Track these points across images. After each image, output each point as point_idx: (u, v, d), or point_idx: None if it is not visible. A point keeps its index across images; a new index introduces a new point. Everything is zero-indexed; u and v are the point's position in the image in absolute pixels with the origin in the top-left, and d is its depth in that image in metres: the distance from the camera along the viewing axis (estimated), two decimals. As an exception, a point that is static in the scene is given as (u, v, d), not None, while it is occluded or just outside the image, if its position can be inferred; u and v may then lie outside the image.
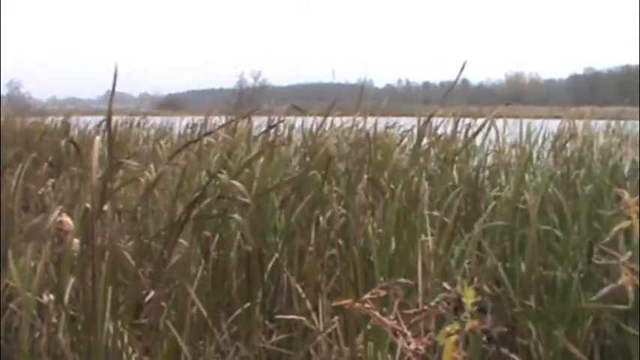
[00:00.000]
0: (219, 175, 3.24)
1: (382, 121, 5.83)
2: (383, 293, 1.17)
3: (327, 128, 4.76)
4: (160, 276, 2.84)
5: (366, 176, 3.25)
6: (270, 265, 3.15)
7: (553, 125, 5.23)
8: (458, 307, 1.06)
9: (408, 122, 5.61)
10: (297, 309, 2.90)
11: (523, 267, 3.08)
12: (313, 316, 2.76)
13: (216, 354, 2.86)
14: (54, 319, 2.56)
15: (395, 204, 2.95)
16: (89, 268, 2.40)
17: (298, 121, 5.37)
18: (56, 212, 2.66)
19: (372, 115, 5.63)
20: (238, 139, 4.37)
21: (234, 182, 3.09)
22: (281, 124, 5.10)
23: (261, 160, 3.57)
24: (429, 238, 2.77)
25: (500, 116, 4.86)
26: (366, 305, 1.12)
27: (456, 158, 4.09)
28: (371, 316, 1.13)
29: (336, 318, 2.67)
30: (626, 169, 3.88)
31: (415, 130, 4.78)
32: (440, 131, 4.82)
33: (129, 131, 7.79)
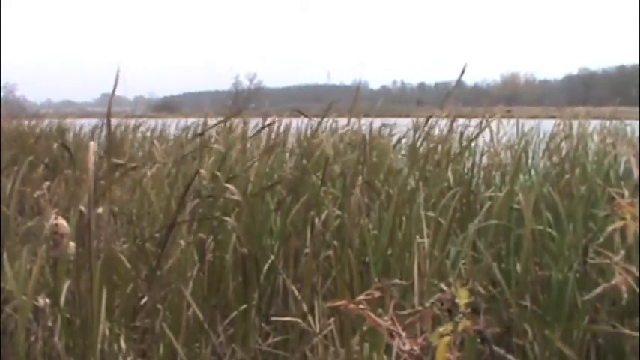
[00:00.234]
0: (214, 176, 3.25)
1: (377, 122, 5.84)
2: (377, 294, 1.17)
3: (323, 130, 4.75)
4: (156, 278, 2.84)
5: (361, 178, 3.25)
6: (265, 267, 3.16)
7: (548, 125, 5.24)
8: (452, 307, 1.06)
9: (403, 123, 5.61)
10: (293, 311, 2.90)
11: (518, 267, 3.09)
12: (309, 317, 2.77)
13: (212, 356, 2.86)
14: (49, 323, 2.56)
15: (390, 205, 2.95)
16: (85, 271, 2.40)
17: (294, 122, 5.38)
18: (52, 215, 2.65)
19: (367, 116, 5.64)
20: (234, 141, 4.37)
21: (227, 185, 3.10)
22: (277, 126, 5.11)
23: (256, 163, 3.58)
24: (425, 239, 2.77)
25: (495, 117, 4.87)
26: (361, 306, 1.12)
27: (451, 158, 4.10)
28: (366, 317, 1.13)
29: (332, 319, 2.67)
30: (621, 169, 3.89)
31: (408, 132, 4.80)
32: (435, 132, 4.83)
33: (125, 134, 7.78)
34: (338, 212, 3.37)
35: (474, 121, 4.64)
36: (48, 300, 2.58)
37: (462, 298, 1.06)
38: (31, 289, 2.44)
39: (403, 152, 4.94)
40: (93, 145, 2.58)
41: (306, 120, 4.89)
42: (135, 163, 4.21)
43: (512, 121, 5.05)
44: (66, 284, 2.63)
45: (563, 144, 4.50)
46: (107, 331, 2.46)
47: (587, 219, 3.34)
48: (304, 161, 3.87)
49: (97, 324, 2.38)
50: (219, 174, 3.32)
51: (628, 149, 3.52)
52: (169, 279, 2.89)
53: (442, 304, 1.07)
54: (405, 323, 1.14)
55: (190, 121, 7.07)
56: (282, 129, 5.12)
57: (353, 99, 4.70)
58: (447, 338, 1.04)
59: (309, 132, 4.64)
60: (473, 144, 4.53)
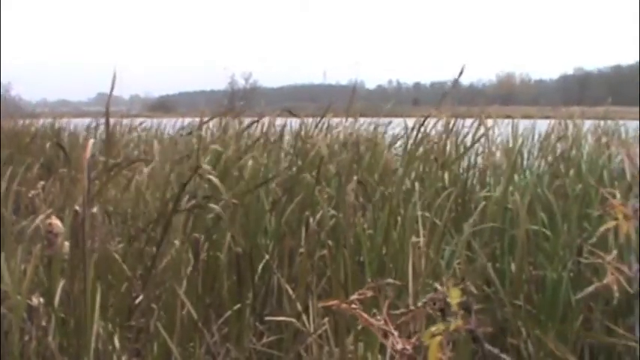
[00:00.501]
0: (208, 174, 3.24)
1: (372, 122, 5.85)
2: (370, 294, 1.17)
3: (318, 130, 4.76)
4: (150, 278, 2.84)
5: (355, 177, 3.25)
6: (260, 267, 3.16)
7: (543, 125, 5.24)
8: (444, 307, 1.07)
9: (396, 122, 5.61)
10: (288, 310, 2.90)
11: (513, 267, 3.10)
12: (304, 317, 2.77)
13: (206, 356, 2.86)
14: (43, 322, 2.55)
15: (386, 205, 2.96)
16: (79, 270, 2.40)
17: (291, 122, 5.37)
18: (46, 215, 2.65)
19: (362, 116, 5.64)
20: (228, 140, 4.36)
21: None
22: (271, 125, 5.11)
23: (250, 162, 3.58)
24: (420, 239, 2.77)
25: (490, 117, 4.87)
26: (353, 306, 1.12)
27: (447, 159, 4.10)
28: (358, 317, 1.13)
29: (326, 319, 2.67)
30: (615, 169, 3.89)
31: (404, 132, 4.80)
32: (432, 132, 4.82)
33: (120, 134, 7.76)
34: (333, 212, 3.37)
35: (469, 121, 4.63)
36: (42, 299, 2.58)
37: (454, 297, 1.06)
38: (25, 289, 2.44)
39: (398, 151, 4.93)
40: (89, 144, 2.58)
41: (301, 120, 4.88)
42: (131, 161, 4.20)
43: (507, 121, 5.05)
44: (60, 284, 2.62)
45: (558, 144, 4.50)
46: (101, 331, 2.46)
47: (582, 219, 3.34)
48: (299, 161, 3.87)
49: (91, 323, 2.38)
50: (214, 173, 3.32)
51: (622, 149, 3.52)
52: (164, 278, 2.89)
53: (434, 304, 1.08)
54: (398, 323, 1.14)
55: (187, 121, 7.05)
56: (277, 128, 5.12)
57: (349, 99, 4.70)
58: (438, 338, 1.04)
59: (303, 132, 4.63)
60: (467, 143, 4.53)
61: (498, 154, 4.32)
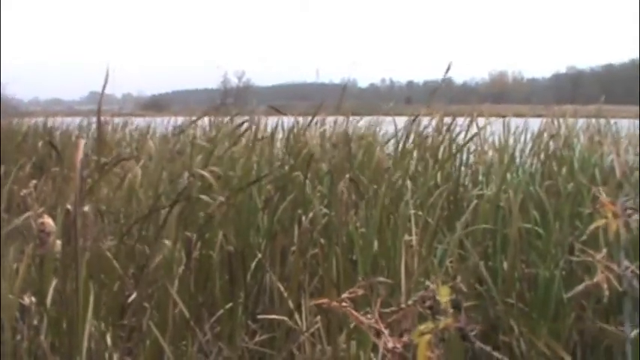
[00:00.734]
0: (200, 172, 3.24)
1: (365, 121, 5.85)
2: (361, 292, 1.17)
3: (310, 128, 4.75)
4: (143, 277, 2.83)
5: (347, 176, 3.26)
6: (253, 265, 3.16)
7: (535, 124, 5.25)
8: (434, 305, 1.07)
9: (390, 122, 5.61)
10: (280, 309, 2.90)
11: (505, 265, 3.10)
12: (296, 315, 2.77)
13: (198, 354, 2.86)
14: (35, 322, 2.55)
15: (378, 203, 2.96)
16: (71, 269, 2.39)
17: (281, 121, 5.37)
18: (38, 213, 2.65)
19: (355, 114, 5.64)
20: (220, 138, 4.36)
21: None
22: (262, 124, 5.10)
23: (242, 160, 3.58)
24: (413, 237, 2.78)
25: (482, 115, 4.87)
26: (344, 304, 1.12)
27: (439, 157, 4.11)
28: (349, 315, 1.13)
29: (318, 318, 2.67)
30: (607, 167, 3.90)
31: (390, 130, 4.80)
32: (422, 130, 4.82)
33: (113, 132, 7.75)
34: (325, 210, 3.37)
35: (461, 119, 4.64)
36: (34, 299, 2.57)
37: (443, 295, 1.06)
38: (17, 288, 2.43)
39: (390, 150, 4.93)
40: (82, 143, 2.57)
41: (293, 118, 4.88)
42: (122, 159, 4.19)
43: (499, 120, 5.05)
44: (52, 283, 2.62)
45: (551, 142, 4.50)
46: (93, 330, 2.46)
47: (574, 217, 3.35)
48: (291, 160, 3.87)
49: (83, 322, 2.37)
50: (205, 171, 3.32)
51: (613, 148, 3.54)
52: (156, 277, 2.88)
53: (424, 302, 1.08)
54: (389, 321, 1.14)
55: (179, 120, 7.04)
56: (270, 127, 5.11)
57: (340, 97, 4.70)
58: (427, 336, 1.04)
59: (296, 130, 4.63)
60: (460, 142, 4.53)
61: (491, 152, 4.33)
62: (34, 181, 4.16)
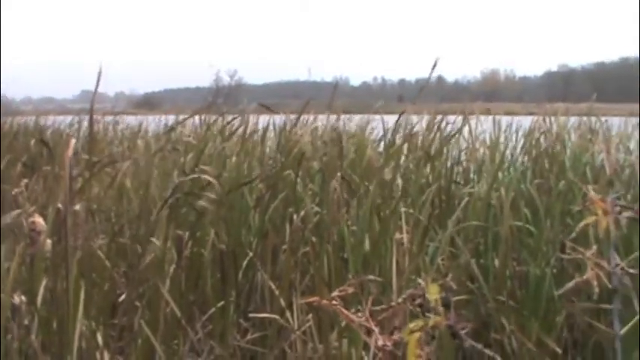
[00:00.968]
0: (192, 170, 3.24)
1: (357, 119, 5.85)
2: (351, 290, 1.17)
3: (301, 126, 4.74)
4: (134, 275, 2.83)
5: (339, 174, 3.25)
6: (244, 264, 3.15)
7: (527, 121, 5.25)
8: (423, 303, 1.07)
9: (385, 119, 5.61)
10: (272, 307, 2.90)
11: (496, 263, 3.11)
12: (287, 314, 2.77)
13: (190, 353, 2.86)
14: (26, 321, 2.54)
15: (369, 201, 2.96)
16: (62, 268, 2.39)
17: (272, 120, 5.36)
18: (29, 212, 2.64)
19: (347, 112, 5.63)
20: (211, 137, 4.35)
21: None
22: (253, 122, 5.09)
23: (234, 158, 3.57)
24: (404, 235, 2.78)
25: (473, 113, 4.88)
26: (334, 302, 1.12)
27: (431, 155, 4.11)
28: (339, 314, 1.13)
29: (310, 316, 2.67)
30: (598, 165, 3.91)
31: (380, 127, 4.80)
32: (413, 128, 4.82)
33: (105, 131, 7.72)
34: (317, 209, 3.37)
35: (452, 117, 4.64)
36: (24, 298, 2.56)
37: (433, 293, 1.06)
38: (8, 288, 2.42)
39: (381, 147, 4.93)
40: (72, 142, 2.56)
41: (285, 116, 4.87)
42: (113, 159, 4.18)
43: (491, 118, 5.06)
44: (43, 282, 2.61)
45: (542, 139, 4.51)
46: (84, 329, 2.45)
47: (565, 215, 3.36)
48: (282, 158, 3.86)
49: (73, 321, 2.37)
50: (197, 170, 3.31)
51: (603, 146, 3.54)
52: (147, 276, 2.88)
53: (414, 300, 1.08)
54: (379, 319, 1.14)
55: (171, 118, 7.01)
56: (261, 125, 5.10)
57: (331, 95, 4.69)
58: (417, 334, 1.04)
59: (287, 128, 4.62)
60: (452, 140, 4.53)
61: (482, 150, 4.33)
62: (25, 180, 4.15)
